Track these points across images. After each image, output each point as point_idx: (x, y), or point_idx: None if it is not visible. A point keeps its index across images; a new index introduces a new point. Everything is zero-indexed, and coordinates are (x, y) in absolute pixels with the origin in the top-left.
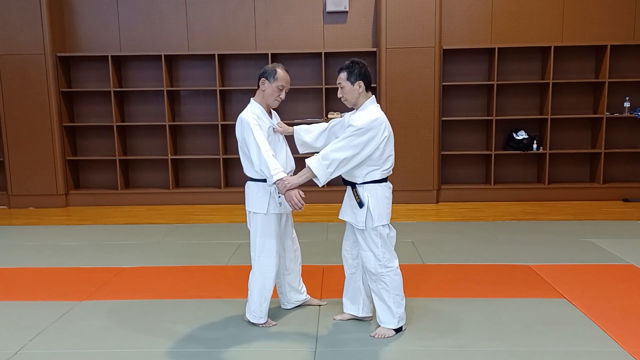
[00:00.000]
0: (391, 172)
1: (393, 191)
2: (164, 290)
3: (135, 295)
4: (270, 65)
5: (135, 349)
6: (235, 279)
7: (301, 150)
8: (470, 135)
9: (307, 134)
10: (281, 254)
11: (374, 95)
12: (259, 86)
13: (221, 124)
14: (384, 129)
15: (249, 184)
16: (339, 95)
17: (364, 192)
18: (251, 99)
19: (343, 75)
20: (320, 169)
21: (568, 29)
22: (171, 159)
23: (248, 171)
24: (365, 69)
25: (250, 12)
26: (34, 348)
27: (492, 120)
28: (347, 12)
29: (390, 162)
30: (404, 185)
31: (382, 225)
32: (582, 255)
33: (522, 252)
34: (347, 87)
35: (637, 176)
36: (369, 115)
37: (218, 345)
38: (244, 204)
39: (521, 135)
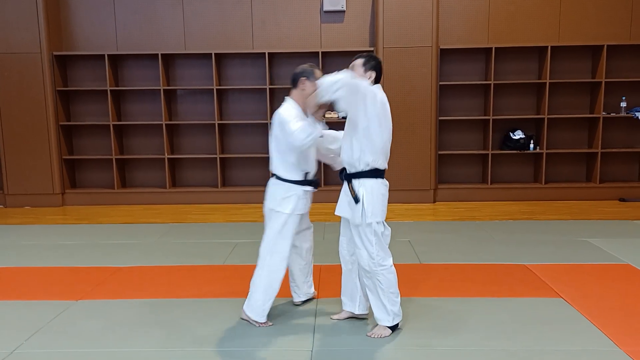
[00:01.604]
0: (387, 167)
1: (390, 190)
2: (160, 290)
3: (132, 295)
4: (305, 65)
5: (132, 349)
6: (232, 279)
7: (323, 155)
8: (467, 135)
9: (332, 142)
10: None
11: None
12: (296, 86)
13: (218, 123)
14: (380, 100)
15: (275, 182)
16: None
17: (360, 187)
18: (287, 97)
19: (359, 61)
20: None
21: (565, 29)
22: (168, 158)
23: (278, 169)
24: (380, 65)
25: (247, 11)
26: (29, 348)
27: (489, 119)
28: (344, 11)
29: (387, 151)
30: (401, 185)
31: (377, 222)
32: (578, 255)
33: (519, 252)
34: (359, 72)
35: (633, 176)
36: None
37: (214, 345)
38: (239, 202)
39: (518, 134)
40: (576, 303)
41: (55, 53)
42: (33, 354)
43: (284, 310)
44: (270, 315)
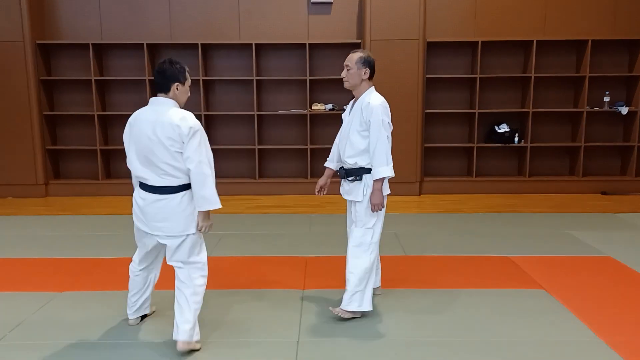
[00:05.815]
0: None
1: None
2: None
3: (116, 286)
4: None
5: (115, 340)
6: (217, 271)
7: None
8: (453, 128)
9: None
10: None
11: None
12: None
13: (204, 114)
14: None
15: (367, 177)
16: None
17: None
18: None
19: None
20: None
21: (550, 24)
22: None
23: (362, 159)
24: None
25: (234, 1)
26: (13, 339)
27: (474, 113)
28: (331, 3)
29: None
30: None
31: None
32: (560, 247)
33: (502, 244)
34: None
35: (615, 170)
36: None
37: (199, 336)
38: (225, 194)
39: (503, 128)
40: (558, 294)
41: (38, 42)
42: (16, 345)
43: (269, 300)
44: (254, 307)
